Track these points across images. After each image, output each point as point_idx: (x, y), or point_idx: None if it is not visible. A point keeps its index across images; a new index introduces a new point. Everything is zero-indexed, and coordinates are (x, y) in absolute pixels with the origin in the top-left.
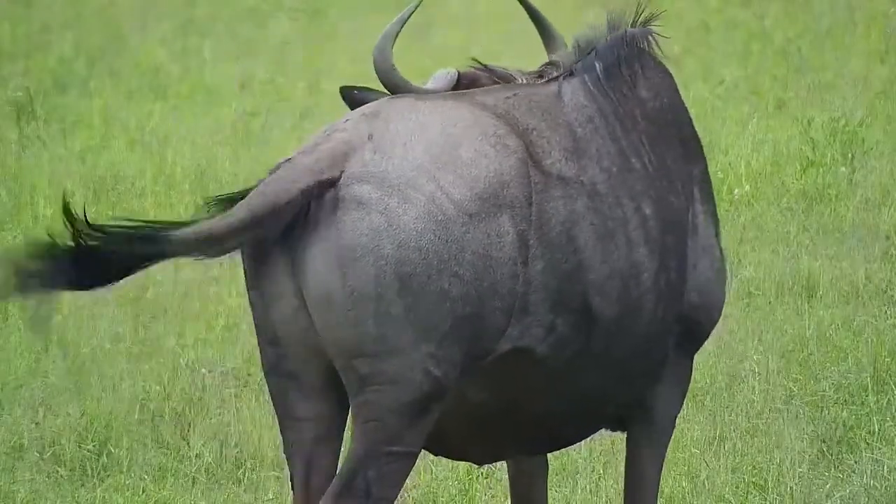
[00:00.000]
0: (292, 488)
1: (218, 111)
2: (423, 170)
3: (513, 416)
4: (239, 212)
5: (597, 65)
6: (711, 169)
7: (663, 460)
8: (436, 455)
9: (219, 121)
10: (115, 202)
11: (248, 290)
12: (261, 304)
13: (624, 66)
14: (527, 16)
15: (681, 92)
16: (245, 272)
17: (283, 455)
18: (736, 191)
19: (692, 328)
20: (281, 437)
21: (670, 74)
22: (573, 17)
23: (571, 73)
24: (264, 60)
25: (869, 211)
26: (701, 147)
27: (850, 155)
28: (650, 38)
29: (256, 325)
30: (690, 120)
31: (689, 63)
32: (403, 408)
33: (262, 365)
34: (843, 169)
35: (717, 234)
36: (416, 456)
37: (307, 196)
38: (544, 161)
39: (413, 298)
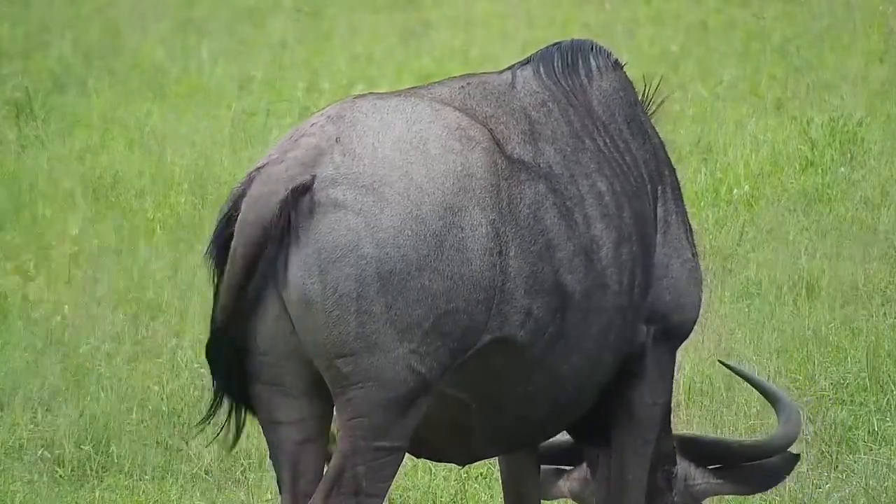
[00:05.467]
0: (280, 491)
1: (217, 111)
2: (394, 167)
3: (491, 411)
4: (234, 255)
5: (555, 56)
6: (710, 169)
7: (648, 463)
8: (415, 457)
9: (218, 121)
10: (115, 202)
11: None
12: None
13: (581, 61)
14: (523, 16)
15: (679, 92)
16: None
17: (270, 459)
18: (735, 191)
19: (667, 326)
20: (266, 442)
21: (632, 85)
22: (573, 16)
23: (526, 63)
24: (263, 60)
25: (868, 211)
26: (668, 157)
27: (849, 155)
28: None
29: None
30: (653, 126)
31: (688, 63)
32: (389, 404)
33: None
34: (843, 169)
35: (690, 239)
36: (403, 451)
37: (286, 207)
38: (506, 147)
39: (394, 296)
